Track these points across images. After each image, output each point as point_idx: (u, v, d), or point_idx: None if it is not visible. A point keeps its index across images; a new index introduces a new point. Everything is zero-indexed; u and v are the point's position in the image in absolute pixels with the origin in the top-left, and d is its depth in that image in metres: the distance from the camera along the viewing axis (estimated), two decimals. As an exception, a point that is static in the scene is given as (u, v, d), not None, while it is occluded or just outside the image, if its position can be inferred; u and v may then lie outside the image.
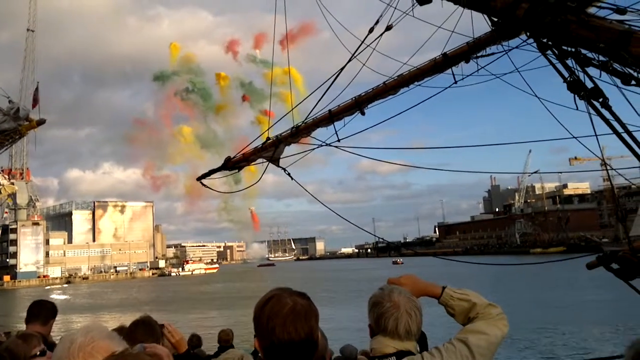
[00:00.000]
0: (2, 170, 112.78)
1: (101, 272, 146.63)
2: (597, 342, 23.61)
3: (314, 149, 7.79)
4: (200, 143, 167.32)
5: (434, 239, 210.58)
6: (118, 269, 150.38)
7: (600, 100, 4.35)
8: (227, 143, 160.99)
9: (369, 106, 7.02)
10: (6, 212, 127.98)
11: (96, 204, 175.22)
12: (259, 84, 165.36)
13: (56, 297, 63.27)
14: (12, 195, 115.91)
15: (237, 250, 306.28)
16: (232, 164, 8.29)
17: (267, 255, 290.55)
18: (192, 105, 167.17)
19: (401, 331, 2.09)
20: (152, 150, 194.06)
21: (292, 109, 8.20)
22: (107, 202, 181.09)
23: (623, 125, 4.37)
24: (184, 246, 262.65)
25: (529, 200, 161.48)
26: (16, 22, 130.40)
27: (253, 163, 8.23)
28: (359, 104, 7.01)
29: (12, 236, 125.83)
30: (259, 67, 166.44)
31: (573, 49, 4.43)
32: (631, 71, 4.22)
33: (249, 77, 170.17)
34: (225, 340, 8.31)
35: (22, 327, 4.39)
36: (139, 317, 3.47)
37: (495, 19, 5.05)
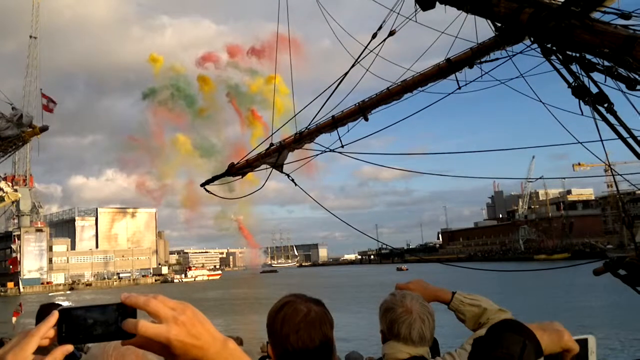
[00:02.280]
0: (6, 177, 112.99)
1: (104, 278, 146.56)
2: (604, 348, 23.41)
3: (317, 154, 7.80)
4: (196, 150, 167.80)
5: (438, 245, 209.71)
6: (121, 275, 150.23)
7: (606, 105, 4.33)
8: (222, 148, 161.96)
9: (372, 112, 7.02)
10: (14, 219, 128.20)
11: (99, 210, 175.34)
12: (244, 89, 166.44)
13: (60, 303, 62.98)
14: (16, 202, 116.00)
15: (240, 257, 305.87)
16: (236, 170, 8.28)
17: (268, 262, 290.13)
18: (179, 113, 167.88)
19: (415, 337, 2.06)
20: (151, 161, 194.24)
21: (295, 116, 8.20)
22: (109, 209, 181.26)
23: (629, 130, 4.34)
24: (187, 252, 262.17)
25: (532, 207, 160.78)
26: (21, 32, 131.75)
27: (256, 169, 8.22)
28: (362, 110, 7.01)
29: (15, 243, 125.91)
30: (243, 74, 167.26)
31: (577, 54, 4.41)
32: (636, 76, 4.20)
33: (234, 80, 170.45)
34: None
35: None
36: None
37: (499, 24, 5.05)
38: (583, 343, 1.57)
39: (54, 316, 1.06)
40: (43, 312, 3.98)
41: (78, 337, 1.05)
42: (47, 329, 1.05)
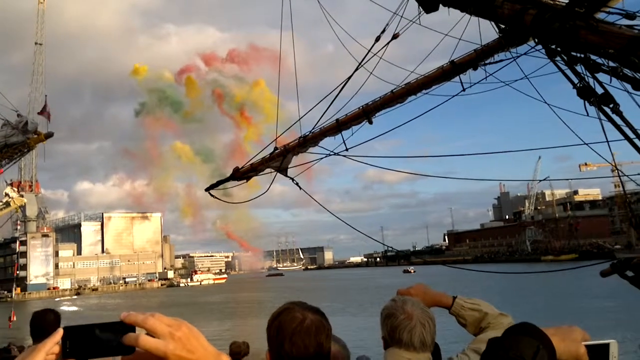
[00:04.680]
0: (12, 183, 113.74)
1: (110, 283, 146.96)
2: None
3: (322, 158, 7.78)
4: (196, 156, 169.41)
5: (444, 247, 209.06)
6: (127, 280, 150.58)
7: (611, 105, 4.31)
8: (218, 152, 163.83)
9: (376, 115, 7.02)
10: (18, 224, 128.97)
11: (104, 215, 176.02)
12: (229, 91, 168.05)
13: (66, 308, 63.45)
14: (22, 208, 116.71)
15: (251, 260, 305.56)
16: (240, 175, 8.29)
17: (273, 265, 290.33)
18: (171, 120, 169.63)
19: (416, 342, 2.07)
20: (150, 170, 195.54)
21: (299, 119, 8.20)
22: (115, 213, 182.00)
23: (634, 130, 4.32)
24: (192, 256, 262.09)
25: (539, 207, 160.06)
26: (28, 43, 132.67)
27: (261, 173, 8.22)
28: (366, 113, 7.01)
29: (21, 248, 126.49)
30: (228, 79, 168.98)
31: (582, 55, 4.39)
32: (642, 76, 4.17)
33: (219, 82, 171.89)
34: (237, 353, 8.24)
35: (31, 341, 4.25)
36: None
37: (503, 26, 5.03)
38: (604, 348, 1.56)
39: (59, 333, 1.13)
40: (36, 319, 3.95)
41: (81, 353, 1.13)
42: (53, 344, 1.12)
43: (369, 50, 6.34)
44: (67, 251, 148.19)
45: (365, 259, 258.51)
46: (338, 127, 7.14)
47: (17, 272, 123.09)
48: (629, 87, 4.32)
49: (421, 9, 5.39)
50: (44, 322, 3.94)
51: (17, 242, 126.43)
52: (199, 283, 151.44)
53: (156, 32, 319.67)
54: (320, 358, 1.71)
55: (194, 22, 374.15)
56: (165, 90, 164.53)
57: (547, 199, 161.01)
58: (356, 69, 6.56)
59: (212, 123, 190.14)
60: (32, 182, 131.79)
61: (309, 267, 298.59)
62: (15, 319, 31.15)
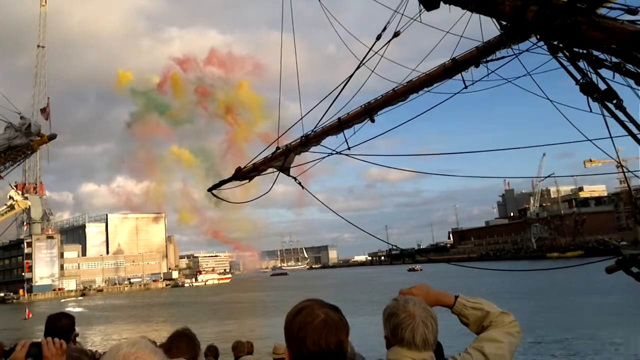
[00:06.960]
0: (16, 186, 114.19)
1: (115, 284, 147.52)
2: (617, 346, 23.16)
3: (324, 157, 7.76)
4: (196, 157, 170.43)
5: (449, 245, 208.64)
6: (132, 280, 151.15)
7: (614, 101, 4.29)
8: (211, 151, 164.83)
9: (378, 113, 7.01)
10: (25, 226, 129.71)
11: (109, 216, 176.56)
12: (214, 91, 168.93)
13: (71, 309, 63.87)
14: (26, 210, 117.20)
15: (249, 260, 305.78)
16: (243, 175, 8.29)
17: (278, 265, 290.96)
18: (162, 125, 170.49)
19: (418, 341, 2.08)
20: (149, 176, 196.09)
21: (302, 118, 8.19)
22: (119, 214, 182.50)
23: (638, 126, 4.30)
24: (197, 257, 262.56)
25: (544, 204, 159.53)
26: (33, 47, 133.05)
27: (263, 173, 8.22)
28: (368, 111, 7.00)
29: (27, 250, 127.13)
30: (211, 81, 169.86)
31: (584, 51, 4.37)
32: (645, 71, 4.15)
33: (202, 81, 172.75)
34: (242, 351, 8.27)
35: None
36: (179, 329, 3.33)
37: (505, 23, 5.01)
38: None
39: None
40: (50, 323, 3.97)
41: None
42: None
43: (370, 49, 6.32)
44: (72, 252, 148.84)
45: (370, 258, 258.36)
46: (340, 125, 7.14)
47: (23, 273, 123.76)
48: (632, 82, 4.30)
49: (422, 7, 5.38)
50: (58, 327, 3.95)
51: (23, 244, 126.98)
52: (203, 283, 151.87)
53: (159, 35, 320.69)
54: (340, 355, 1.76)
55: (196, 24, 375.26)
56: (149, 93, 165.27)
57: (552, 195, 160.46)
58: (357, 67, 6.55)
59: (203, 124, 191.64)
60: (36, 184, 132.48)
61: (313, 266, 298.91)
62: (30, 316, 31.58)
